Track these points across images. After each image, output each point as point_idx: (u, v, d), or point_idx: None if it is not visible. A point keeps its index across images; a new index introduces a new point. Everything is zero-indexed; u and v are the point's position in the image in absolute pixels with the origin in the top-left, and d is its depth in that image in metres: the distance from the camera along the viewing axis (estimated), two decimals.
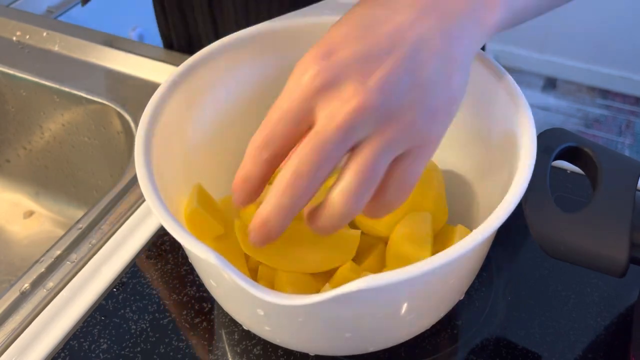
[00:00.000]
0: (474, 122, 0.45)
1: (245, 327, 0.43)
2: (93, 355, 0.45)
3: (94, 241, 0.52)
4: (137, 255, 0.51)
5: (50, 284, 0.49)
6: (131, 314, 0.47)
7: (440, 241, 0.45)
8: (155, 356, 0.45)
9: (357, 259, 0.46)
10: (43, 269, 0.50)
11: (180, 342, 0.46)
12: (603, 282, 0.48)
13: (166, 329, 0.46)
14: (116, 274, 0.50)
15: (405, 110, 0.31)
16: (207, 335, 0.46)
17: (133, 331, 0.46)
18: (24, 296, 0.48)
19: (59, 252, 0.51)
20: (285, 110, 0.32)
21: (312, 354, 0.44)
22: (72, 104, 0.67)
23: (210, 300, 0.48)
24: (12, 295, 0.48)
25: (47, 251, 0.51)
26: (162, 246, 0.52)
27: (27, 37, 0.73)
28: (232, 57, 0.46)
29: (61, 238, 0.52)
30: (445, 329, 0.46)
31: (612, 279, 0.47)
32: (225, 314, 0.46)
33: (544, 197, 0.39)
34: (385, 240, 0.45)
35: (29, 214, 0.74)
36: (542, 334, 0.45)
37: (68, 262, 0.51)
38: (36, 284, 0.49)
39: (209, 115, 0.46)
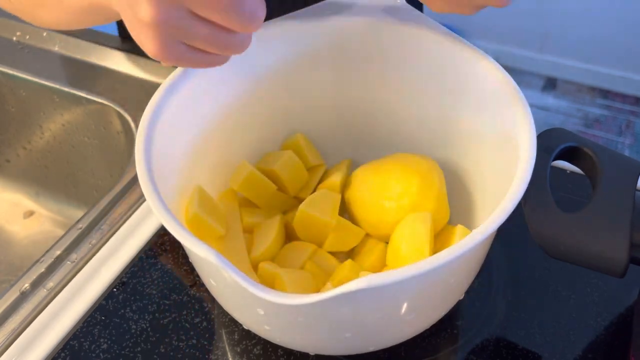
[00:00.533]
0: (473, 123, 0.45)
1: (245, 327, 0.43)
2: (93, 355, 0.45)
3: (94, 241, 0.52)
4: (137, 255, 0.51)
5: (50, 284, 0.49)
6: (131, 314, 0.47)
7: (440, 241, 0.45)
8: (155, 356, 0.45)
9: (359, 259, 0.46)
10: (43, 269, 0.50)
11: (180, 342, 0.46)
12: (603, 282, 0.48)
13: (166, 329, 0.46)
14: (116, 274, 0.50)
15: None
16: (207, 335, 0.46)
17: (133, 331, 0.46)
18: (24, 296, 0.48)
19: (59, 252, 0.51)
20: None
21: (312, 353, 0.44)
22: (72, 104, 0.67)
23: (210, 300, 0.48)
24: (12, 295, 0.48)
25: (47, 251, 0.51)
26: (162, 246, 0.52)
27: (27, 37, 0.73)
28: (231, 58, 0.46)
29: (61, 238, 0.52)
30: (445, 329, 0.46)
31: (612, 279, 0.47)
32: (226, 314, 0.46)
33: (544, 197, 0.39)
34: (386, 241, 0.45)
35: (29, 214, 0.74)
36: (542, 334, 0.45)
37: (68, 262, 0.51)
38: (36, 284, 0.49)
39: (209, 115, 0.46)
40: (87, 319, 0.47)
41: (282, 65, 0.48)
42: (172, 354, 0.45)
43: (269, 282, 0.42)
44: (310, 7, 0.47)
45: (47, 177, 0.74)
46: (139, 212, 0.54)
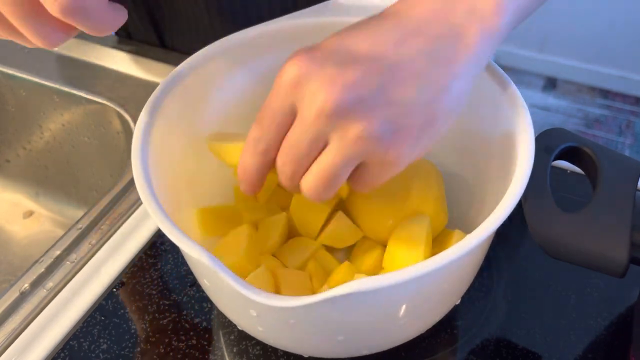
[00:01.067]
0: (472, 124, 0.45)
1: (240, 328, 0.43)
2: (93, 355, 0.45)
3: (93, 241, 0.52)
4: (137, 255, 0.51)
5: (50, 284, 0.49)
6: (131, 314, 0.47)
7: (438, 245, 0.45)
8: (155, 356, 0.45)
9: (356, 261, 0.46)
10: (43, 269, 0.50)
11: (180, 342, 0.46)
12: (603, 282, 0.48)
13: (166, 329, 0.46)
14: (116, 274, 0.50)
15: (371, 119, 0.32)
16: (206, 335, 0.46)
17: (133, 331, 0.46)
18: (23, 296, 0.48)
19: (58, 252, 0.51)
20: (272, 107, 0.35)
21: (305, 355, 0.43)
22: (72, 104, 0.67)
23: (210, 300, 0.48)
24: (12, 295, 0.48)
25: (47, 251, 0.51)
26: (162, 246, 0.52)
27: None
28: (232, 58, 0.46)
29: (61, 238, 0.52)
30: (445, 330, 0.46)
31: (612, 279, 0.47)
32: (225, 314, 0.46)
33: (544, 197, 0.39)
34: (384, 244, 0.45)
35: (29, 214, 0.74)
36: (542, 334, 0.45)
37: (68, 262, 0.51)
38: (36, 284, 0.49)
39: (207, 116, 0.46)
40: (86, 319, 0.47)
41: (282, 64, 0.48)
42: (171, 354, 0.45)
43: (271, 280, 0.42)
44: (311, 7, 0.47)
45: (47, 177, 0.74)
46: (138, 212, 0.54)
